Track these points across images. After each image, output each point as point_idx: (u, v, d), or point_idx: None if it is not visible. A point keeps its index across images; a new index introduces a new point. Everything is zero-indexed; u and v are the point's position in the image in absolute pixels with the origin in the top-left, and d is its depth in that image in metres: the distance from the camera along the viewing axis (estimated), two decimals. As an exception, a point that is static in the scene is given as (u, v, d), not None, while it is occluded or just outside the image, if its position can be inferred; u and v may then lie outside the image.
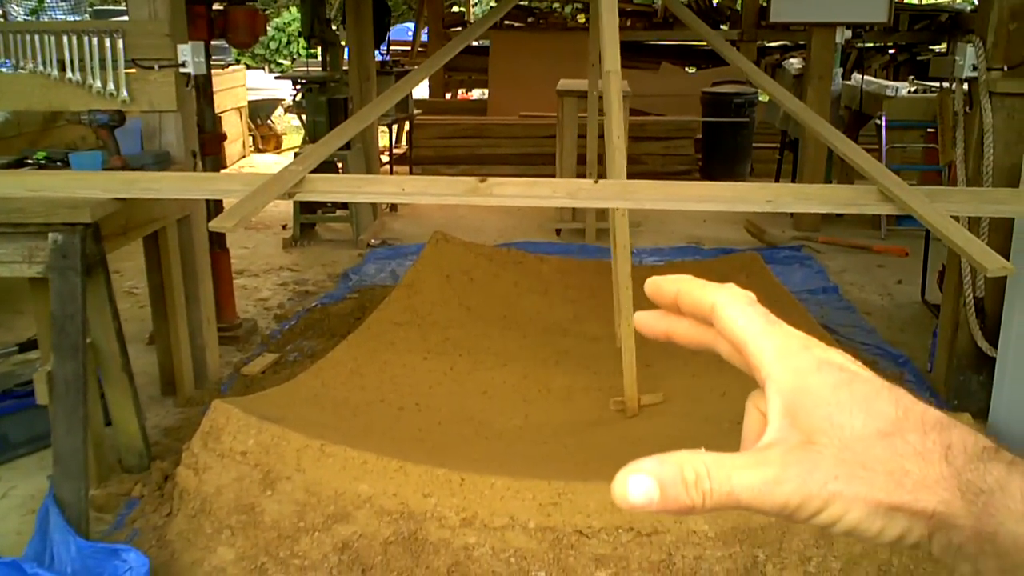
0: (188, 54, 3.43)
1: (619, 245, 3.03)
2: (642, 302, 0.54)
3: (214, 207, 3.95)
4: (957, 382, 3.63)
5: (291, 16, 17.48)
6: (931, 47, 10.42)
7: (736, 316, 0.47)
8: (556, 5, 12.32)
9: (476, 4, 15.30)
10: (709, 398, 3.29)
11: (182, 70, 3.44)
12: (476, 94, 12.55)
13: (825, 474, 0.42)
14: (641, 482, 0.41)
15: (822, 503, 0.42)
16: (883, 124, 6.43)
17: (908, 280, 5.39)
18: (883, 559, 2.26)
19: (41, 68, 3.43)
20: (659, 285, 0.51)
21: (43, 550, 2.47)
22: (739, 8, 10.63)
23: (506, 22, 10.27)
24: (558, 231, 6.48)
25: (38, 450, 3.27)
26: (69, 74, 3.42)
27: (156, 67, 3.42)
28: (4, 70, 3.96)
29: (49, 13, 10.11)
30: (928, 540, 0.43)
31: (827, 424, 0.43)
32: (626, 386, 3.18)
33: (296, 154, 6.28)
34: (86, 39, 3.39)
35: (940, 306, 3.98)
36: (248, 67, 12.62)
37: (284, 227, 6.54)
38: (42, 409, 2.79)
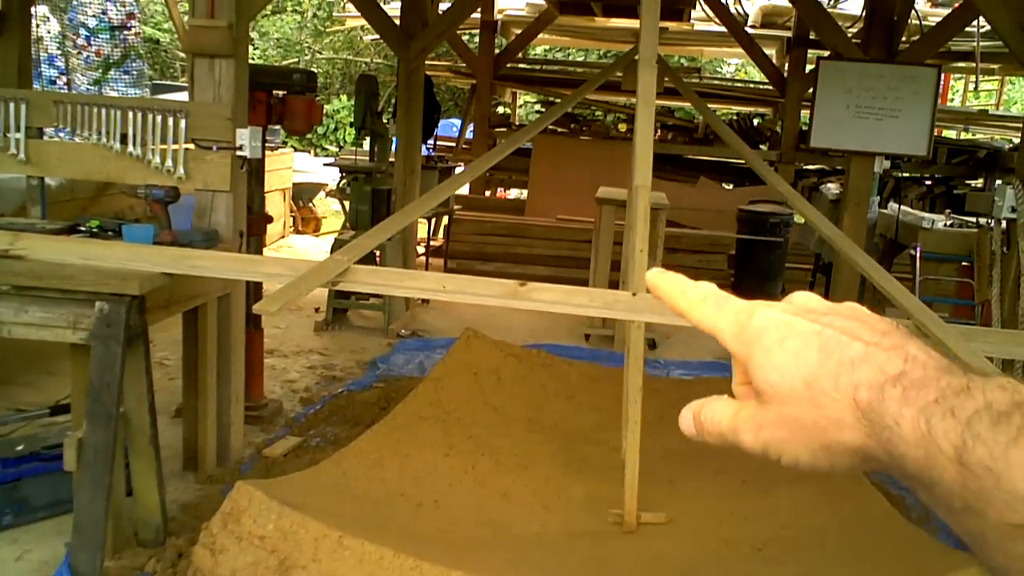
0: (246, 138, 3.55)
1: (632, 356, 3.06)
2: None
3: (254, 286, 4.03)
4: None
5: (340, 104, 18.03)
6: (968, 181, 10.53)
7: (700, 316, 0.57)
8: (599, 114, 12.62)
9: (521, 106, 15.70)
10: (731, 520, 3.25)
11: (239, 153, 3.56)
12: (513, 193, 12.77)
13: (770, 428, 0.51)
14: (686, 420, 0.56)
15: (776, 450, 0.51)
16: (918, 255, 6.45)
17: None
18: None
19: (104, 140, 3.56)
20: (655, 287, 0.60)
21: (52, 619, 2.46)
22: (779, 130, 10.82)
23: (550, 127, 10.51)
24: (587, 336, 6.50)
25: (57, 515, 3.27)
26: (130, 148, 3.54)
27: (214, 148, 3.54)
28: (62, 136, 4.11)
29: (112, 85, 10.47)
30: (871, 466, 0.49)
31: (767, 386, 0.51)
32: (627, 499, 3.16)
33: (336, 240, 6.40)
34: (151, 116, 3.52)
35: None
36: (295, 150, 12.96)
37: (317, 310, 6.62)
38: (65, 474, 2.81)
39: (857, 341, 0.49)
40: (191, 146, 3.54)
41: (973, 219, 6.74)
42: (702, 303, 0.57)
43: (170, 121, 3.51)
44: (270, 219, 4.61)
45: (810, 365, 0.49)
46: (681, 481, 3.69)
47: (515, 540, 3.10)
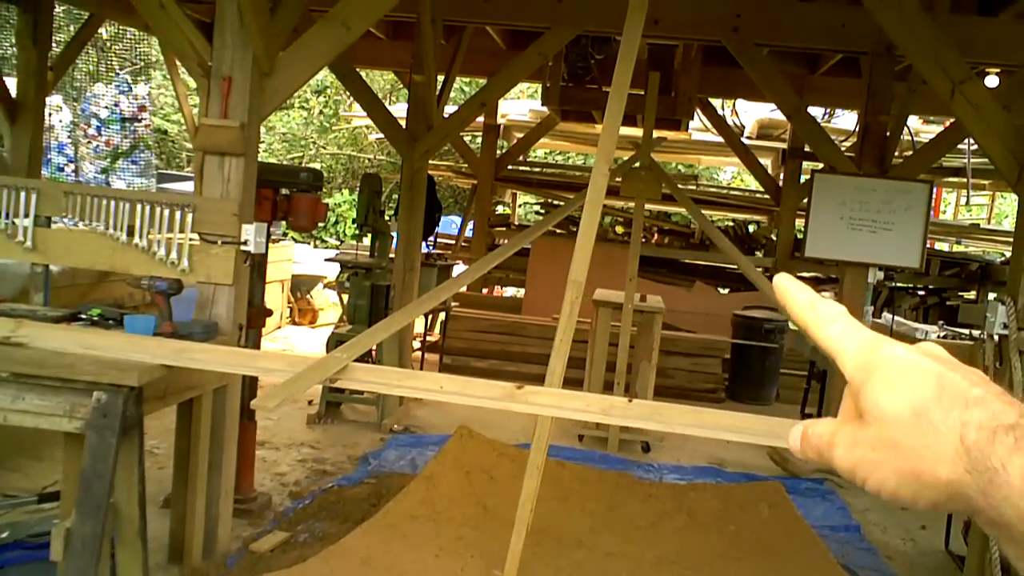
0: (251, 233, 3.62)
1: (537, 436, 3.12)
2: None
3: (249, 380, 4.04)
4: (981, 643, 3.51)
5: (342, 198, 18.30)
6: (960, 293, 10.66)
7: (825, 334, 0.58)
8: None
9: (521, 206, 15.94)
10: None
11: (243, 247, 3.62)
12: (510, 291, 12.87)
13: (865, 447, 0.52)
14: (793, 438, 0.58)
15: (864, 471, 0.52)
16: (911, 366, 6.49)
17: (932, 526, 5.27)
18: None
19: (111, 230, 3.62)
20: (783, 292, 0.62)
21: None
22: (774, 237, 10.98)
23: (549, 228, 10.67)
24: (581, 437, 6.48)
25: (38, 606, 3.21)
26: (136, 239, 3.61)
27: (219, 242, 3.60)
28: (65, 222, 4.18)
29: (119, 174, 10.68)
30: (954, 505, 0.49)
31: (875, 408, 0.52)
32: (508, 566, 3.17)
33: (332, 332, 6.43)
34: (159, 209, 3.60)
35: (964, 558, 3.89)
36: (296, 241, 13.11)
37: (310, 403, 6.60)
38: (50, 564, 2.77)
39: (976, 387, 0.51)
40: (196, 238, 3.61)
41: (966, 331, 6.81)
42: (831, 321, 0.58)
43: (177, 215, 3.59)
44: (270, 312, 4.65)
45: (923, 396, 0.51)
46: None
47: (504, 647, 3.04)
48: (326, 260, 8.59)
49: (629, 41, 3.22)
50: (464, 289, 11.03)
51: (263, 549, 3.93)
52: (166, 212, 3.60)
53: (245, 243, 3.60)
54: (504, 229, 11.61)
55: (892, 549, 4.95)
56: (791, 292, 0.61)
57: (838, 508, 5.48)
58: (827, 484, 5.95)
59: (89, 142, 10.77)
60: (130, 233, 3.63)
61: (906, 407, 0.51)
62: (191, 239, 3.59)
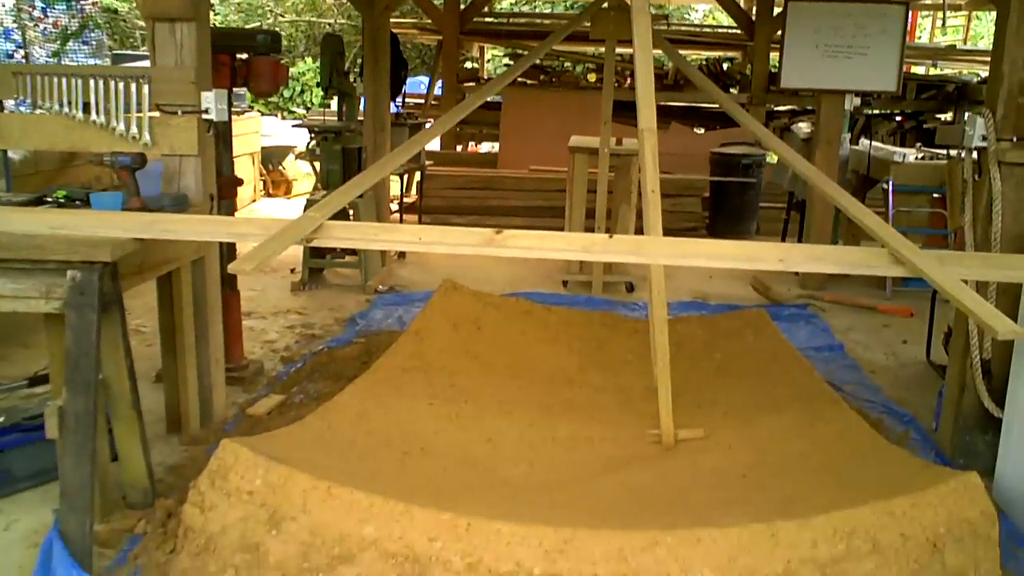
0: (211, 101, 3.51)
1: (655, 292, 3.13)
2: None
3: (227, 250, 4.00)
4: (963, 442, 3.64)
5: (306, 66, 17.79)
6: (937, 116, 10.59)
7: None
8: (568, 65, 12.53)
9: (490, 60, 15.56)
10: (716, 449, 3.31)
11: (204, 116, 3.51)
12: (485, 147, 12.71)
13: None
14: None
15: None
16: (890, 188, 6.51)
17: (913, 340, 5.41)
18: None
19: (66, 110, 3.50)
20: None
21: (46, 584, 2.47)
22: (749, 73, 10.80)
23: (519, 79, 10.44)
24: (565, 283, 6.53)
25: (41, 484, 3.28)
26: (93, 116, 3.49)
27: (179, 112, 3.49)
28: (22, 110, 4.04)
29: (71, 56, 10.30)
30: None
31: None
32: (663, 418, 3.26)
33: (308, 200, 6.37)
34: (112, 83, 3.47)
35: (945, 367, 4.00)
36: (262, 113, 12.81)
37: (293, 271, 6.60)
38: (47, 443, 2.80)
39: None
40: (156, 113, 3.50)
41: (943, 152, 6.80)
42: None
43: (133, 87, 3.46)
44: (240, 182, 4.57)
45: None
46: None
47: (503, 482, 3.14)
48: (293, 126, 8.40)
49: None
50: (439, 148, 10.91)
51: (260, 412, 4.00)
52: (120, 86, 3.48)
53: (206, 111, 3.49)
54: (474, 84, 11.35)
55: (875, 364, 5.08)
56: None
57: (821, 330, 5.60)
58: (810, 308, 6.06)
59: (35, 25, 10.34)
60: (86, 111, 3.52)
61: None
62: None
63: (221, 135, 4.04)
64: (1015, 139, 3.46)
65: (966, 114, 8.02)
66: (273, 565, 2.44)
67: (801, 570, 2.28)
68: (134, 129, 3.46)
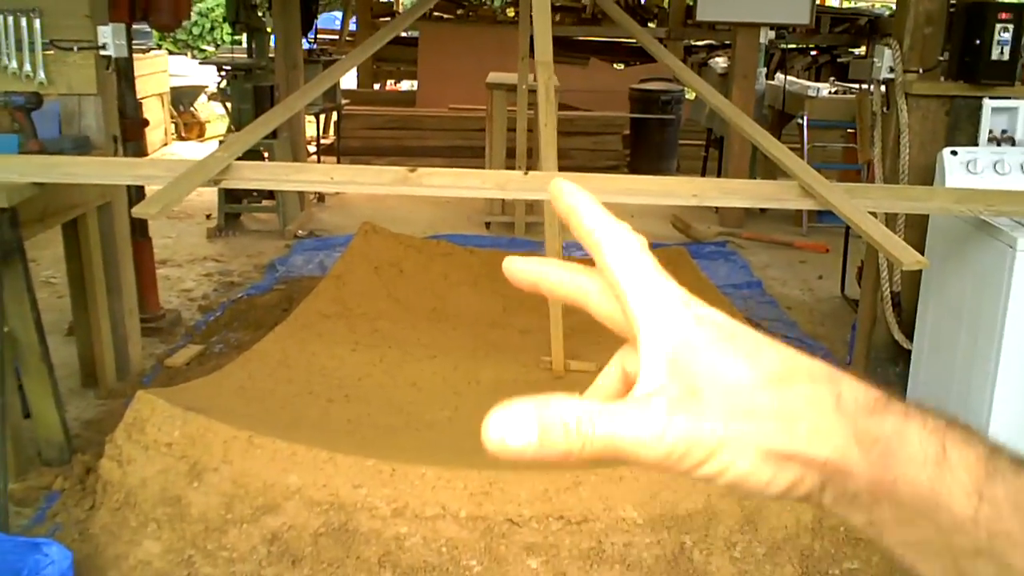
0: (109, 36, 3.34)
1: (548, 225, 3.12)
2: (499, 284, 0.51)
3: (136, 194, 3.85)
4: (875, 374, 3.76)
5: (215, 1, 17.12)
6: (851, 50, 10.74)
7: (625, 259, 0.43)
8: (486, -2, 12.32)
9: (405, -5, 15.18)
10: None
11: (102, 52, 3.35)
12: (405, 86, 12.48)
13: (713, 422, 0.39)
14: (521, 425, 0.38)
15: (708, 452, 0.39)
16: (805, 123, 6.60)
17: (828, 276, 5.54)
18: (805, 544, 2.33)
19: (-48, 48, 3.30)
20: (558, 200, 0.45)
21: (-44, 546, 2.39)
22: (667, 6, 10.78)
23: (435, 13, 10.23)
24: (488, 224, 6.49)
25: (-51, 444, 3.15)
26: (-18, 54, 3.30)
27: (75, 49, 3.32)
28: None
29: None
30: (820, 490, 0.40)
31: (712, 373, 0.40)
32: (554, 347, 3.25)
33: (220, 142, 6.17)
34: (0, 18, 3.27)
35: (859, 301, 4.11)
36: (170, 53, 12.32)
37: (208, 217, 6.41)
38: (-46, 401, 2.69)
39: (817, 361, 0.42)
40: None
41: (857, 86, 6.91)
42: (628, 254, 0.43)
43: (23, 22, 3.27)
44: (146, 123, 4.39)
45: (772, 366, 0.41)
46: (586, 356, 3.76)
47: (428, 426, 3.13)
48: (200, 63, 8.10)
49: None
50: (356, 87, 10.66)
51: (178, 363, 3.91)
52: (10, 20, 3.28)
53: (103, 47, 3.32)
54: (389, 19, 11.07)
55: (792, 300, 5.20)
56: (577, 209, 0.44)
57: (740, 267, 5.70)
58: (729, 246, 6.16)
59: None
60: (-26, 48, 3.31)
61: (757, 375, 0.40)
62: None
63: (123, 73, 3.85)
64: (921, 71, 3.51)
65: (876, 46, 8.16)
66: (196, 517, 2.40)
67: (720, 504, 2.33)
68: (27, 67, 3.28)
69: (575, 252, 5.78)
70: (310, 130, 7.89)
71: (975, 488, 0.37)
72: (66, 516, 2.68)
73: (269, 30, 6.55)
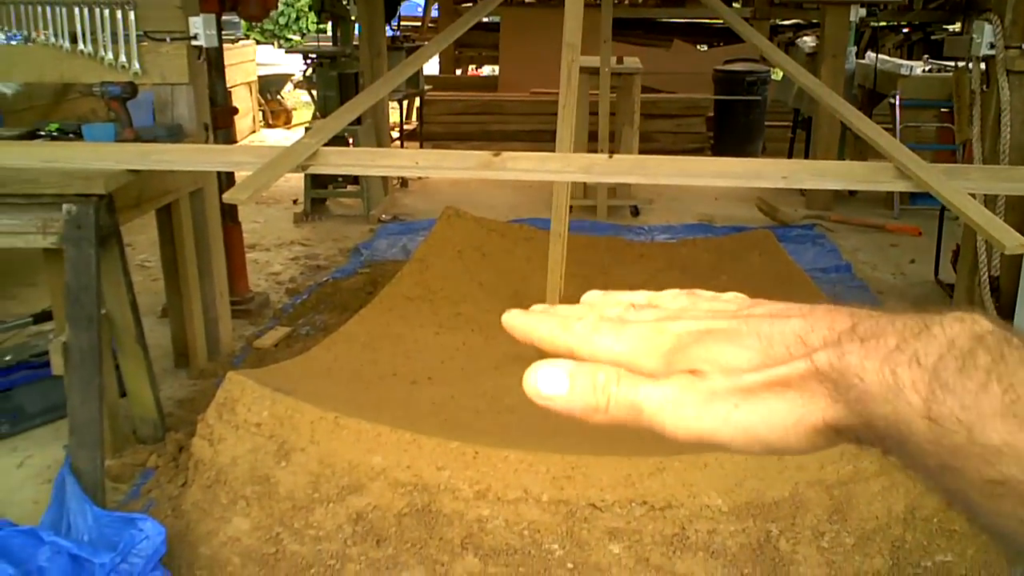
0: (200, 26, 3.42)
1: (556, 207, 3.08)
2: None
3: (226, 180, 3.95)
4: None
5: (300, -9, 17.42)
6: (945, 26, 10.33)
7: (603, 344, 0.46)
8: (567, -19, 12.21)
9: (487, -20, 15.18)
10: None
11: (194, 43, 3.43)
12: (486, 71, 12.49)
13: (724, 401, 0.42)
14: (553, 374, 0.43)
15: (720, 425, 0.42)
16: (897, 103, 6.39)
17: (921, 259, 5.37)
18: (896, 535, 2.26)
19: (53, 40, 3.42)
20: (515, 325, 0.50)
21: (60, 519, 2.49)
22: (753, -15, 10.54)
23: (517, -2, 10.22)
24: (570, 208, 6.45)
25: (53, 420, 3.30)
26: (81, 46, 3.41)
27: (168, 39, 3.41)
28: (15, 43, 3.96)
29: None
30: (839, 440, 0.42)
31: (704, 356, 0.43)
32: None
33: (307, 129, 6.27)
34: (98, 11, 3.38)
35: (953, 285, 3.97)
36: (258, 42, 12.58)
37: (295, 202, 6.54)
38: (57, 380, 2.80)
39: (792, 317, 0.43)
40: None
41: (952, 63, 6.65)
42: (596, 332, 0.46)
43: (119, 15, 3.38)
44: (235, 110, 4.49)
45: (752, 346, 0.43)
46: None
47: (509, 409, 3.13)
48: (286, 52, 8.25)
49: None
50: (437, 72, 10.72)
51: (267, 345, 4.00)
52: (106, 13, 3.39)
53: (195, 37, 3.41)
54: (471, 5, 11.09)
55: (883, 284, 5.06)
56: (531, 328, 0.48)
57: (828, 251, 5.56)
58: (817, 229, 6.01)
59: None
60: (73, 40, 3.43)
61: (742, 358, 0.42)
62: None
63: (213, 62, 3.95)
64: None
65: (975, 22, 7.84)
66: (283, 495, 2.45)
67: (808, 492, 2.28)
68: (123, 58, 3.38)
69: (658, 236, 5.72)
70: (393, 116, 7.97)
71: (925, 411, 0.38)
72: (159, 492, 2.77)
73: (353, 18, 6.64)
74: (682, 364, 0.43)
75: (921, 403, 0.38)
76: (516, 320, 0.49)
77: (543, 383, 0.43)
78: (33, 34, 3.45)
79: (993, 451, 0.36)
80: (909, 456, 0.39)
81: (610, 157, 2.63)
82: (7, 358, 3.35)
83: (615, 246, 4.70)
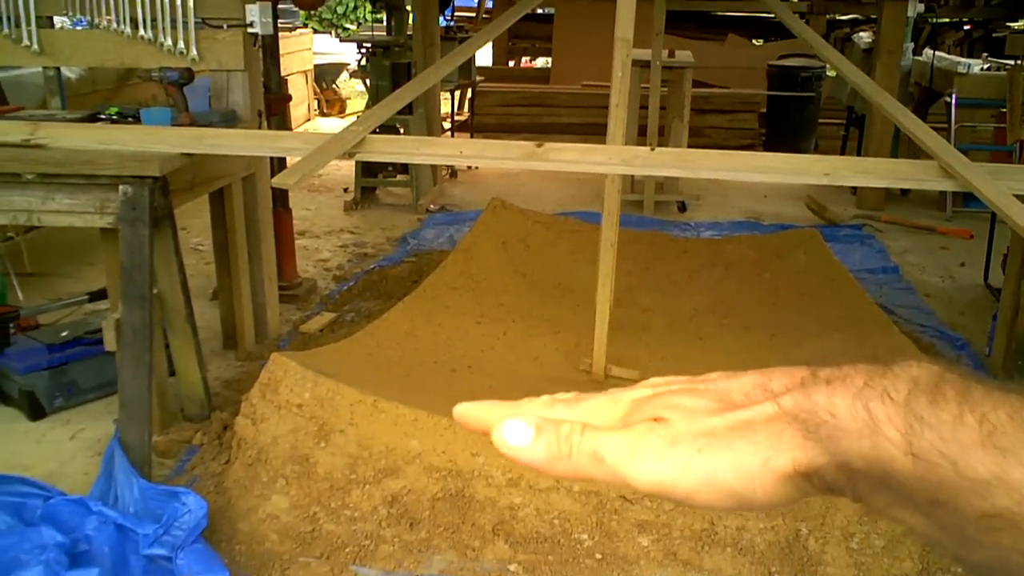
0: (256, 14, 3.49)
1: (608, 206, 3.06)
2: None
3: (278, 167, 4.03)
4: (1015, 366, 3.58)
5: (357, -19, 17.55)
6: (1008, 24, 10.09)
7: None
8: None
9: (542, -29, 15.16)
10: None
11: (250, 30, 3.50)
12: (540, 62, 12.50)
13: (687, 445, 0.41)
14: (519, 426, 0.44)
15: (683, 472, 0.41)
16: (953, 102, 6.28)
17: (972, 263, 5.28)
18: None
19: (115, 26, 3.52)
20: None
21: (108, 490, 2.58)
22: (811, -20, 10.39)
23: (572, -10, 10.19)
24: (616, 202, 6.46)
25: (105, 396, 3.40)
26: (141, 32, 3.50)
27: (225, 27, 3.49)
28: (80, 28, 4.08)
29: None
30: (808, 488, 0.40)
31: (664, 404, 0.44)
32: (596, 350, 3.22)
33: (358, 118, 6.36)
34: (158, -2, 3.47)
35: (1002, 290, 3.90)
36: (315, 31, 12.73)
37: (345, 190, 6.63)
38: (110, 356, 2.90)
39: (748, 374, 0.44)
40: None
41: (1012, 62, 6.50)
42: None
43: (177, 1, 3.46)
44: (289, 98, 4.57)
45: (717, 395, 0.44)
46: (711, 338, 3.72)
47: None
48: (341, 41, 8.34)
49: None
50: (490, 63, 10.76)
51: (313, 329, 4.08)
52: (166, 0, 3.48)
53: (251, 25, 3.48)
54: (526, -3, 11.10)
55: (931, 287, 4.98)
56: (483, 415, 0.48)
57: (876, 252, 5.49)
58: (866, 229, 5.94)
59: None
60: (134, 26, 3.53)
61: (709, 407, 0.43)
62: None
63: (268, 50, 4.03)
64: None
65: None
66: (322, 476, 2.52)
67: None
68: (181, 44, 3.47)
69: (704, 232, 5.69)
70: (445, 107, 8.02)
71: (906, 446, 0.37)
72: (203, 469, 2.85)
73: (408, 8, 6.69)
74: (642, 416, 0.44)
75: (901, 438, 0.37)
76: (468, 411, 0.49)
77: (509, 435, 0.44)
78: (97, 19, 3.56)
79: (982, 484, 0.36)
80: (892, 494, 0.39)
81: (652, 150, 2.64)
82: (63, 334, 3.46)
83: (660, 241, 4.70)
